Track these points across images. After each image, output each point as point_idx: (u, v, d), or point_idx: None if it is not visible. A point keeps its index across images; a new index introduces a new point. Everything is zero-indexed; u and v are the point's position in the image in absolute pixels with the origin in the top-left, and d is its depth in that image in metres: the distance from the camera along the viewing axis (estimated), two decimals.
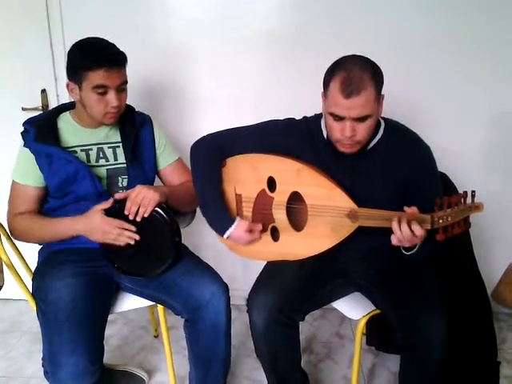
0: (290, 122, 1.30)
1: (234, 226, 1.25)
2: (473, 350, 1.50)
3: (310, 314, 1.31)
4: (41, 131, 1.26)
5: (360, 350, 1.36)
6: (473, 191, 1.04)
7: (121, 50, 1.26)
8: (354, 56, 1.12)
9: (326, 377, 1.66)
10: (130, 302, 1.38)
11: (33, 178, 1.28)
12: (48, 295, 1.21)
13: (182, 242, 1.29)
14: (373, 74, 1.08)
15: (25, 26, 1.76)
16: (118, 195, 1.24)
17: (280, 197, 1.26)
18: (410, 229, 1.06)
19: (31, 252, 1.42)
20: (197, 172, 1.33)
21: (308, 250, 1.25)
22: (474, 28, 1.66)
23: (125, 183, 1.35)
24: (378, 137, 1.21)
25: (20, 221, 1.28)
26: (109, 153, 1.35)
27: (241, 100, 1.82)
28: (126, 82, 1.28)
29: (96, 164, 1.33)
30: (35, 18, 1.75)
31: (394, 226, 1.08)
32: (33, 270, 1.37)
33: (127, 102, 1.34)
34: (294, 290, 1.24)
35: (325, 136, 1.24)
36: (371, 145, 1.21)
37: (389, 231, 1.11)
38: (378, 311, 1.30)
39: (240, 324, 1.85)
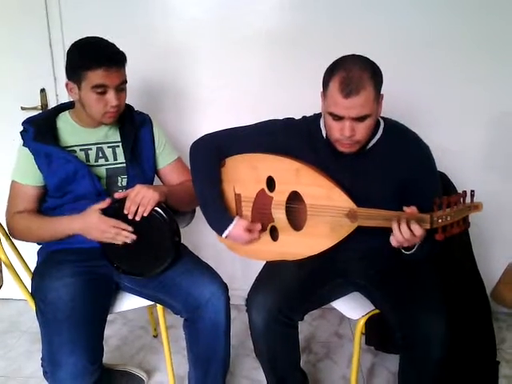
0: (289, 121, 1.30)
1: (232, 225, 1.25)
2: (472, 350, 1.50)
3: (309, 314, 1.31)
4: (40, 131, 1.26)
5: (359, 349, 1.36)
6: (472, 191, 1.04)
7: (120, 49, 1.26)
8: (353, 56, 1.12)
9: (325, 377, 1.66)
10: (129, 302, 1.37)
11: (32, 177, 1.28)
12: (47, 295, 1.21)
13: (182, 241, 1.30)
14: (372, 73, 1.08)
15: (24, 25, 1.76)
16: (118, 194, 1.24)
17: (279, 196, 1.26)
18: (410, 229, 1.06)
19: (30, 252, 1.42)
20: (196, 172, 1.33)
21: (307, 249, 1.25)
22: (473, 28, 1.66)
23: (124, 183, 1.35)
24: (378, 136, 1.21)
25: (19, 220, 1.28)
26: (108, 152, 1.35)
27: (240, 100, 1.81)
28: (125, 82, 1.28)
29: (95, 164, 1.33)
30: (34, 17, 1.75)
31: (394, 228, 1.08)
32: (32, 270, 1.37)
33: (127, 102, 1.34)
34: (293, 289, 1.24)
35: (324, 136, 1.24)
36: (370, 144, 1.21)
37: (388, 231, 1.11)
38: (377, 311, 1.30)
39: (239, 324, 1.85)
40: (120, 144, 1.36)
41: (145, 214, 1.21)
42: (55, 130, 1.31)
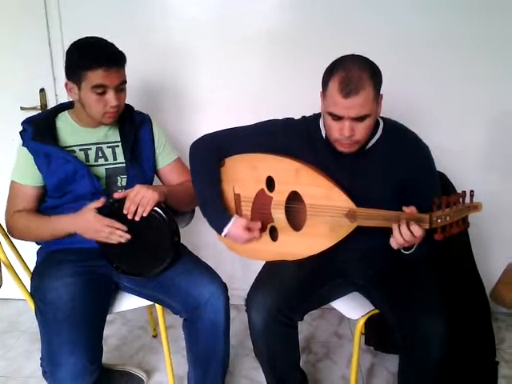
0: (288, 121, 1.30)
1: (231, 223, 1.25)
2: (471, 350, 1.50)
3: (308, 314, 1.31)
4: (39, 130, 1.26)
5: (359, 349, 1.36)
6: (471, 191, 1.04)
7: (120, 49, 1.25)
8: (352, 56, 1.12)
9: (324, 377, 1.66)
10: (128, 302, 1.37)
11: (31, 177, 1.28)
12: (47, 295, 1.21)
13: (181, 241, 1.30)
14: (371, 73, 1.08)
15: (23, 25, 1.76)
16: (117, 194, 1.24)
17: (279, 196, 1.26)
18: (409, 230, 1.06)
19: (30, 252, 1.42)
20: (195, 172, 1.32)
21: (307, 249, 1.25)
22: (473, 28, 1.66)
23: (124, 183, 1.35)
24: (377, 136, 1.21)
25: (18, 219, 1.28)
26: (108, 152, 1.35)
27: (240, 100, 1.81)
28: (125, 82, 1.28)
29: (95, 163, 1.33)
30: (33, 17, 1.75)
31: (394, 230, 1.08)
32: (31, 270, 1.37)
33: (126, 102, 1.34)
34: (293, 289, 1.24)
35: (323, 136, 1.24)
36: (370, 144, 1.21)
37: (387, 231, 1.11)
38: (376, 311, 1.30)
39: (239, 323, 1.85)
40: (120, 144, 1.36)
41: (144, 214, 1.21)
42: (54, 129, 1.31)
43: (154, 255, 1.28)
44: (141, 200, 1.20)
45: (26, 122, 1.29)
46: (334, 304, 1.37)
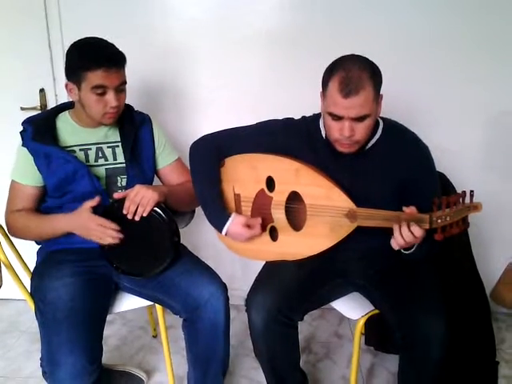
0: (288, 121, 1.30)
1: (230, 222, 1.25)
2: (471, 350, 1.50)
3: (308, 314, 1.31)
4: (39, 130, 1.26)
5: (359, 349, 1.36)
6: (471, 191, 1.04)
7: (120, 50, 1.25)
8: (352, 56, 1.12)
9: (324, 377, 1.66)
10: (128, 302, 1.37)
11: (31, 177, 1.28)
12: (47, 295, 1.21)
13: (181, 241, 1.30)
14: (371, 73, 1.08)
15: (23, 25, 1.76)
16: (117, 195, 1.24)
17: (279, 196, 1.26)
18: (410, 230, 1.06)
19: (30, 252, 1.42)
20: (195, 172, 1.32)
21: (307, 249, 1.25)
22: (473, 28, 1.66)
23: (124, 183, 1.35)
24: (377, 136, 1.21)
25: (17, 218, 1.29)
26: (108, 152, 1.35)
27: (240, 100, 1.81)
28: (124, 83, 1.28)
29: (95, 163, 1.33)
30: (33, 17, 1.74)
31: (395, 231, 1.08)
32: (31, 270, 1.37)
33: (127, 102, 1.34)
34: (293, 289, 1.24)
35: (323, 136, 1.24)
36: (370, 144, 1.21)
37: (388, 231, 1.11)
38: (376, 311, 1.30)
39: (239, 324, 1.85)
40: (120, 144, 1.36)
41: (144, 214, 1.21)
42: (55, 129, 1.31)
43: (154, 255, 1.28)
44: (141, 200, 1.20)
45: (27, 122, 1.29)
46: (334, 304, 1.36)
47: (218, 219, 1.27)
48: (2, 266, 1.29)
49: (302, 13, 1.70)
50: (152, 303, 1.36)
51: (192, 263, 1.35)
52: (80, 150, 1.32)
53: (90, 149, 1.33)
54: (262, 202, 1.29)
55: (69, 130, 1.32)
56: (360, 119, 1.09)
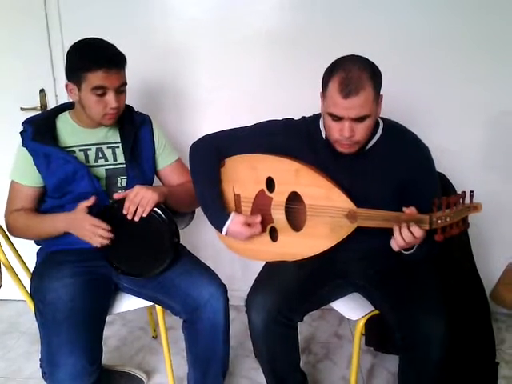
0: (288, 122, 1.30)
1: (229, 221, 1.25)
2: (471, 351, 1.50)
3: (308, 315, 1.31)
4: (39, 130, 1.26)
5: (359, 350, 1.36)
6: (471, 191, 1.04)
7: (120, 50, 1.25)
8: (352, 56, 1.12)
9: (324, 377, 1.66)
10: (128, 303, 1.37)
11: (31, 178, 1.28)
12: (46, 296, 1.21)
13: (181, 241, 1.29)
14: (371, 74, 1.08)
15: (23, 25, 1.76)
16: (117, 195, 1.24)
17: (279, 197, 1.26)
18: (410, 231, 1.06)
19: (29, 253, 1.42)
20: (195, 172, 1.32)
21: (307, 250, 1.25)
22: (473, 28, 1.66)
23: (124, 183, 1.35)
24: (377, 137, 1.21)
25: (17, 217, 1.29)
26: (108, 153, 1.35)
27: (240, 100, 1.81)
28: (125, 84, 1.28)
29: (95, 164, 1.33)
30: (33, 17, 1.75)
31: (395, 232, 1.08)
32: (31, 271, 1.37)
33: (127, 102, 1.34)
34: (293, 290, 1.24)
35: (323, 136, 1.24)
36: (370, 145, 1.21)
37: (388, 231, 1.11)
38: (376, 312, 1.30)
39: (239, 324, 1.85)
40: (120, 145, 1.35)
41: (144, 215, 1.21)
42: (54, 130, 1.31)
43: (154, 256, 1.28)
44: (140, 200, 1.20)
45: (27, 122, 1.29)
46: (334, 305, 1.36)
47: (218, 219, 1.27)
48: (2, 266, 1.29)
49: (302, 13, 1.70)
50: (152, 304, 1.36)
51: (192, 264, 1.35)
52: (80, 150, 1.32)
53: (90, 149, 1.33)
54: (262, 202, 1.29)
55: (69, 131, 1.32)
56: (360, 120, 1.09)
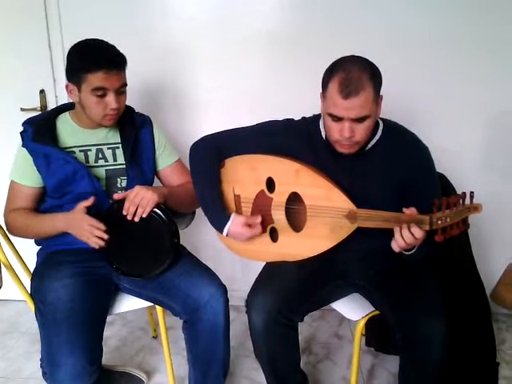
0: (288, 122, 1.30)
1: (230, 222, 1.25)
2: (472, 351, 1.50)
3: (309, 315, 1.31)
4: (39, 131, 1.26)
5: (359, 350, 1.36)
6: (471, 192, 1.04)
7: (120, 51, 1.25)
8: (352, 57, 1.12)
9: (325, 378, 1.66)
10: (128, 303, 1.37)
11: (30, 178, 1.28)
12: (46, 296, 1.21)
13: (181, 242, 1.30)
14: (371, 74, 1.08)
15: (23, 26, 1.76)
16: (117, 195, 1.25)
17: (279, 197, 1.26)
18: (410, 232, 1.06)
19: (30, 253, 1.42)
20: (195, 173, 1.32)
21: (307, 250, 1.25)
22: (473, 28, 1.66)
23: (124, 184, 1.35)
24: (377, 137, 1.21)
25: (16, 216, 1.29)
26: (108, 154, 1.35)
27: (240, 100, 1.81)
28: (125, 85, 1.27)
29: (95, 164, 1.33)
30: (33, 18, 1.74)
31: (396, 233, 1.08)
32: (31, 271, 1.37)
33: (127, 103, 1.34)
34: (293, 290, 1.24)
35: (323, 136, 1.24)
36: (370, 145, 1.21)
37: (388, 232, 1.11)
38: (377, 312, 1.30)
39: (239, 325, 1.85)
40: (120, 145, 1.35)
41: (144, 215, 1.21)
42: (54, 130, 1.31)
43: (154, 256, 1.28)
44: (140, 201, 1.20)
45: (27, 123, 1.29)
46: (335, 305, 1.36)
47: (219, 220, 1.27)
48: (2, 266, 1.29)
49: (302, 13, 1.70)
50: (152, 304, 1.36)
51: (192, 264, 1.35)
52: (80, 151, 1.32)
53: (90, 150, 1.33)
54: (262, 202, 1.29)
55: (69, 131, 1.32)
56: (360, 120, 1.09)
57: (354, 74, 1.06)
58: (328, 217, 1.19)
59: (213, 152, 1.31)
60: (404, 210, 1.09)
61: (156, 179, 1.46)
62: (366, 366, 1.71)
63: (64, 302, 1.19)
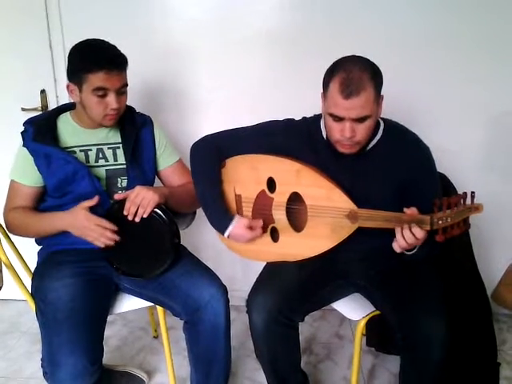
0: (289, 122, 1.30)
1: (233, 224, 1.25)
2: (473, 351, 1.49)
3: (309, 315, 1.30)
4: (40, 131, 1.26)
5: (360, 350, 1.36)
6: (472, 192, 1.04)
7: (121, 52, 1.25)
8: (353, 57, 1.12)
9: (325, 378, 1.66)
10: (129, 303, 1.37)
11: (31, 178, 1.29)
12: (47, 295, 1.21)
13: (182, 242, 1.29)
14: (372, 74, 1.08)
15: (24, 26, 1.76)
16: (118, 196, 1.25)
17: (280, 197, 1.26)
18: (411, 232, 1.06)
19: (30, 252, 1.42)
20: (196, 173, 1.32)
21: (308, 250, 1.25)
22: (473, 28, 1.66)
23: (124, 184, 1.35)
24: (378, 137, 1.21)
25: (15, 215, 1.29)
26: (108, 153, 1.35)
27: (241, 100, 1.81)
28: (126, 85, 1.28)
29: (95, 164, 1.33)
30: (34, 18, 1.75)
31: (397, 233, 1.08)
32: (32, 271, 1.37)
33: (128, 103, 1.34)
34: (294, 290, 1.24)
35: (324, 136, 1.24)
36: (370, 145, 1.21)
37: (389, 232, 1.11)
38: (377, 312, 1.30)
39: (240, 325, 1.85)
40: (120, 145, 1.35)
41: (144, 216, 1.21)
42: (55, 130, 1.31)
43: (155, 256, 1.28)
44: (141, 201, 1.20)
45: (28, 123, 1.29)
46: (335, 305, 1.36)
47: (220, 221, 1.27)
48: (3, 266, 1.29)
49: (302, 13, 1.70)
50: (152, 304, 1.36)
51: (192, 264, 1.35)
52: (80, 150, 1.32)
53: (91, 150, 1.33)
54: (263, 202, 1.29)
55: (69, 131, 1.32)
56: (361, 120, 1.09)
57: (354, 74, 1.06)
58: (329, 217, 1.19)
59: (213, 152, 1.31)
60: (405, 209, 1.09)
61: (157, 179, 1.46)
62: (367, 365, 1.71)
63: (65, 301, 1.19)
